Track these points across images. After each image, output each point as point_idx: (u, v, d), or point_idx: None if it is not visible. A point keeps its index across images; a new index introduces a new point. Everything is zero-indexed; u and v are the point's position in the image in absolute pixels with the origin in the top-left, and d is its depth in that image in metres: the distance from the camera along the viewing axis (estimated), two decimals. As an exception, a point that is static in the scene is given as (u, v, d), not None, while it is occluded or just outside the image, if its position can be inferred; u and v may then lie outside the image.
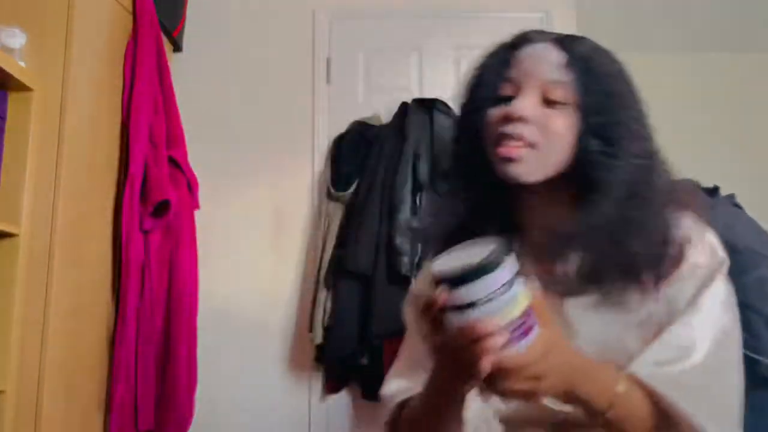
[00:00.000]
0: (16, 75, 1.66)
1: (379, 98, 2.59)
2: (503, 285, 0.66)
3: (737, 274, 0.98)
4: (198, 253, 2.25)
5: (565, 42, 0.91)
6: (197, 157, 2.36)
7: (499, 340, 0.66)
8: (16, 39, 1.72)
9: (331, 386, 2.36)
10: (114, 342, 1.94)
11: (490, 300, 0.65)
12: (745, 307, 1.08)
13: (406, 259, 2.14)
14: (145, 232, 2.00)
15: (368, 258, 2.19)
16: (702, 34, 3.53)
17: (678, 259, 0.87)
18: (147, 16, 2.13)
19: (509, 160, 0.86)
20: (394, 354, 2.23)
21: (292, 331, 2.47)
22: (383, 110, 2.54)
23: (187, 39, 2.62)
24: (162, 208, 2.00)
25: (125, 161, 2.03)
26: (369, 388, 2.30)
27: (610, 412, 0.79)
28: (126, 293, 1.92)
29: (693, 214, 0.93)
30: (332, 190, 2.40)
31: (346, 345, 2.19)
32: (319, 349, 2.29)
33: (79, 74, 1.85)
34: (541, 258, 0.91)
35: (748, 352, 1.05)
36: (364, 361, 2.21)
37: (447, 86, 2.63)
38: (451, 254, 0.71)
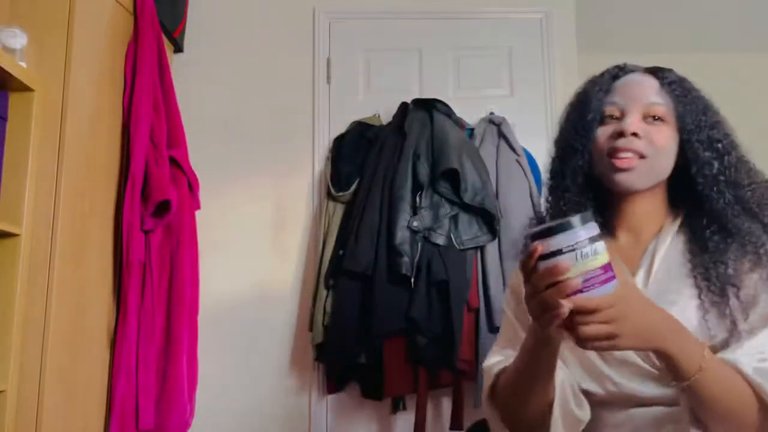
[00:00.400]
0: (17, 75, 1.66)
1: (379, 98, 2.59)
2: (585, 239, 0.76)
3: None
4: (199, 252, 2.26)
5: (656, 71, 1.12)
6: (198, 156, 2.36)
7: (575, 282, 0.75)
8: (17, 39, 1.72)
9: (331, 386, 2.36)
10: (115, 342, 1.94)
11: (572, 249, 0.75)
12: None
13: (406, 259, 2.14)
14: (146, 232, 2.00)
15: (368, 258, 2.19)
16: (702, 34, 3.53)
17: None
18: (148, 17, 2.14)
19: (624, 170, 1.02)
20: (393, 353, 2.25)
21: (292, 330, 2.48)
22: (383, 110, 2.55)
23: (188, 39, 2.62)
24: (163, 208, 2.00)
25: (126, 161, 2.04)
26: (369, 388, 2.31)
27: (698, 374, 0.85)
28: (127, 293, 1.93)
29: None
30: (332, 190, 2.40)
31: (346, 344, 2.20)
32: (319, 348, 2.29)
33: (80, 74, 1.86)
34: (629, 257, 1.05)
35: None
36: (364, 360, 2.21)
37: (447, 86, 2.64)
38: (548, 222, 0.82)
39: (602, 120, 1.07)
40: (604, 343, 0.80)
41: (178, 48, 2.59)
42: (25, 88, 1.72)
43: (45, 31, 1.81)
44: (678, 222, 1.07)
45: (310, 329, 2.30)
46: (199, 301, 2.24)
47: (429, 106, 2.40)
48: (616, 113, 1.06)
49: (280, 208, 2.57)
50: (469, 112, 2.52)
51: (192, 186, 2.22)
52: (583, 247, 0.76)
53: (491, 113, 2.53)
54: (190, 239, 2.18)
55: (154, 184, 1.98)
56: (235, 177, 2.57)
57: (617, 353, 0.97)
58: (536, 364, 0.92)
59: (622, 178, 1.02)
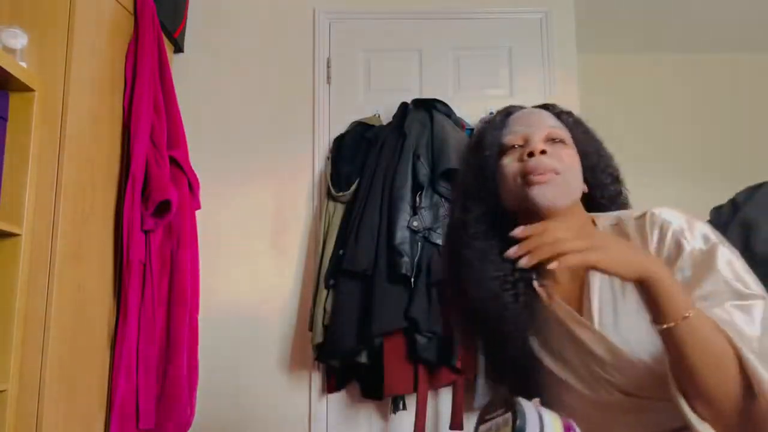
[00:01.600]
0: (18, 75, 1.66)
1: (379, 98, 2.59)
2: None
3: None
4: (199, 252, 2.26)
5: (546, 106, 1.16)
6: (198, 157, 2.37)
7: None
8: (18, 39, 1.73)
9: (331, 385, 2.36)
10: (115, 341, 1.94)
11: None
12: None
13: (406, 259, 2.14)
14: (146, 232, 2.01)
15: (368, 258, 2.19)
16: (702, 34, 3.53)
17: (678, 249, 0.97)
18: (148, 17, 2.14)
19: (541, 183, 1.01)
20: (393, 353, 2.25)
21: (292, 330, 2.48)
22: (383, 110, 2.55)
23: (188, 40, 2.62)
24: (163, 208, 2.01)
25: (126, 161, 2.04)
26: (369, 387, 2.31)
27: (685, 319, 0.82)
28: (127, 293, 1.93)
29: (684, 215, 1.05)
30: (332, 190, 2.40)
31: (345, 344, 2.20)
32: (319, 348, 2.29)
33: (81, 74, 1.86)
34: (571, 296, 1.04)
35: None
36: (364, 360, 2.21)
37: (447, 86, 2.64)
38: (487, 424, 0.79)
39: (505, 151, 1.08)
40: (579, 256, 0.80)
41: (178, 48, 2.59)
42: (25, 88, 1.72)
43: (45, 31, 1.81)
44: None
45: (310, 329, 2.30)
46: (200, 301, 2.24)
47: (429, 106, 2.40)
48: (519, 141, 1.07)
49: (280, 208, 2.57)
50: (469, 112, 2.52)
51: (192, 186, 2.22)
52: None
53: (491, 113, 2.52)
54: (191, 239, 2.18)
55: (154, 184, 1.99)
56: (235, 177, 2.57)
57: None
58: None
59: (539, 193, 1.01)
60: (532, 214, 1.03)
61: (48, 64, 1.80)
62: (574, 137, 1.10)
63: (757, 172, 3.64)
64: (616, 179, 1.14)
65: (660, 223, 1.00)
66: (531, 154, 1.03)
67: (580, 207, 1.09)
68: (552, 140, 1.06)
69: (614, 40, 3.54)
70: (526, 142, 1.06)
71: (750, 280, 0.92)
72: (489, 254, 1.05)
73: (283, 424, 2.42)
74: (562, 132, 1.09)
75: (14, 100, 1.72)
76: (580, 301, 1.02)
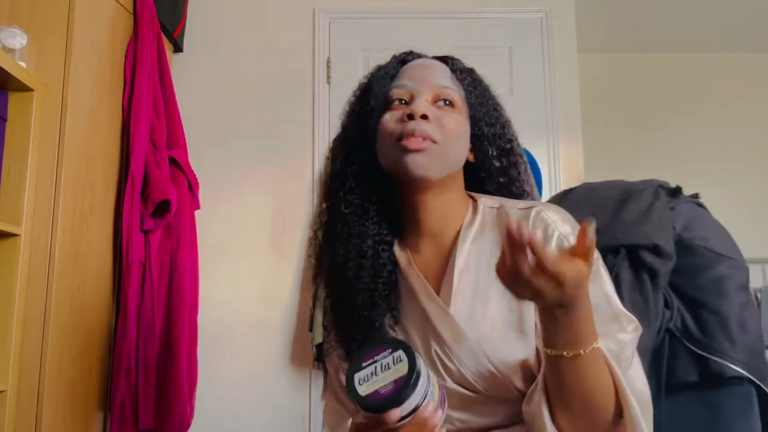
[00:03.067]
0: (17, 75, 1.66)
1: (379, 98, 2.59)
2: (426, 382, 0.74)
3: (692, 274, 0.99)
4: (198, 252, 2.26)
5: (446, 58, 1.08)
6: (198, 157, 2.36)
7: (438, 418, 0.75)
8: (17, 39, 1.73)
9: (331, 386, 2.36)
10: (115, 342, 1.94)
11: (425, 398, 0.73)
12: (699, 305, 1.09)
13: (406, 259, 2.14)
14: (146, 232, 2.01)
15: (368, 258, 2.19)
16: (702, 34, 3.53)
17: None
18: (147, 17, 2.14)
19: (415, 151, 0.92)
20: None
21: (292, 330, 2.48)
22: (383, 110, 2.54)
23: (188, 40, 2.62)
24: (163, 208, 2.01)
25: (126, 161, 2.04)
26: (369, 388, 2.30)
27: (588, 353, 0.76)
28: (126, 293, 1.93)
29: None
30: (332, 190, 2.40)
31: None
32: (319, 348, 2.29)
33: (80, 74, 1.86)
34: (433, 270, 0.97)
35: (701, 352, 1.06)
36: (364, 360, 2.21)
37: (447, 86, 2.64)
38: (366, 369, 0.75)
39: (389, 105, 0.99)
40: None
41: (178, 48, 2.59)
42: (25, 88, 1.72)
43: (45, 31, 1.81)
44: (477, 221, 0.98)
45: (310, 329, 2.30)
46: (199, 301, 2.24)
47: (429, 106, 2.40)
48: (405, 96, 0.98)
49: (280, 208, 2.56)
50: (469, 112, 2.52)
51: (192, 186, 2.22)
52: (429, 388, 0.74)
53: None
54: (190, 239, 2.18)
55: (153, 184, 1.98)
56: (235, 177, 2.57)
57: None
58: None
59: (412, 161, 0.91)
60: (404, 179, 0.95)
61: (47, 64, 1.80)
62: (467, 100, 1.01)
63: (757, 172, 3.65)
64: (505, 152, 1.03)
65: (546, 222, 0.93)
66: (411, 117, 0.94)
67: (460, 180, 1.01)
68: (440, 101, 0.98)
69: (614, 40, 3.54)
70: (412, 99, 0.97)
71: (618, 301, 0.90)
72: (369, 211, 0.98)
73: (283, 424, 2.42)
74: (454, 93, 0.99)
75: (14, 100, 1.72)
76: (440, 278, 0.96)
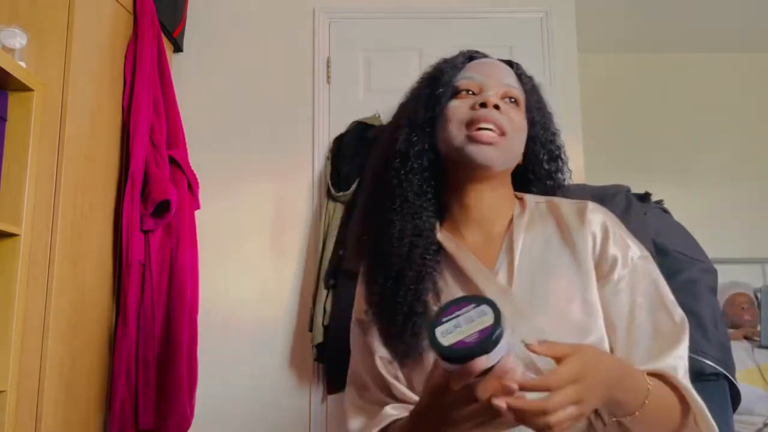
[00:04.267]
0: (17, 75, 1.66)
1: (379, 98, 2.58)
2: (510, 335, 0.70)
3: (667, 277, 1.03)
4: (198, 253, 2.26)
5: (510, 63, 1.11)
6: (197, 156, 2.36)
7: (520, 372, 0.69)
8: (17, 39, 1.73)
9: (331, 386, 2.36)
10: (114, 342, 1.94)
11: (508, 351, 0.70)
12: None
13: (406, 259, 2.14)
14: (146, 232, 2.01)
15: (368, 258, 2.19)
16: (702, 34, 3.53)
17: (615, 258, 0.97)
18: (147, 17, 2.14)
19: (483, 143, 0.95)
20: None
21: (292, 331, 2.47)
22: (383, 110, 2.54)
23: (188, 39, 2.62)
24: (162, 208, 2.01)
25: (126, 161, 2.04)
26: (369, 388, 2.30)
27: (641, 409, 0.81)
28: (126, 293, 1.93)
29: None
30: (332, 190, 2.40)
31: (345, 345, 2.19)
32: (319, 348, 2.29)
33: (80, 74, 1.86)
34: (484, 255, 0.99)
35: None
36: (364, 360, 2.21)
37: (447, 86, 2.64)
38: (448, 324, 0.73)
39: (457, 94, 1.02)
40: (574, 421, 0.71)
41: (178, 48, 2.59)
42: (25, 88, 1.72)
43: (45, 31, 1.81)
44: (527, 213, 1.02)
45: (310, 329, 2.30)
46: (199, 301, 2.24)
47: (429, 106, 2.39)
48: (474, 88, 1.01)
49: (280, 208, 2.56)
50: (469, 112, 2.52)
51: (192, 186, 2.22)
52: (516, 344, 0.71)
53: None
54: (190, 239, 2.18)
55: (153, 184, 1.98)
56: (235, 177, 2.57)
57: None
58: None
59: (478, 151, 0.95)
60: (464, 166, 0.98)
61: (47, 64, 1.80)
62: (527, 103, 1.05)
63: (756, 172, 3.65)
64: (554, 158, 1.07)
65: (603, 218, 0.99)
66: (483, 105, 0.97)
67: (509, 177, 1.05)
68: (507, 98, 1.01)
69: (614, 40, 3.54)
70: (481, 91, 1.00)
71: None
72: (427, 193, 1.00)
73: (283, 424, 2.42)
74: (519, 93, 1.03)
75: (13, 100, 1.72)
76: (491, 262, 0.98)
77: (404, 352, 0.96)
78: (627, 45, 3.58)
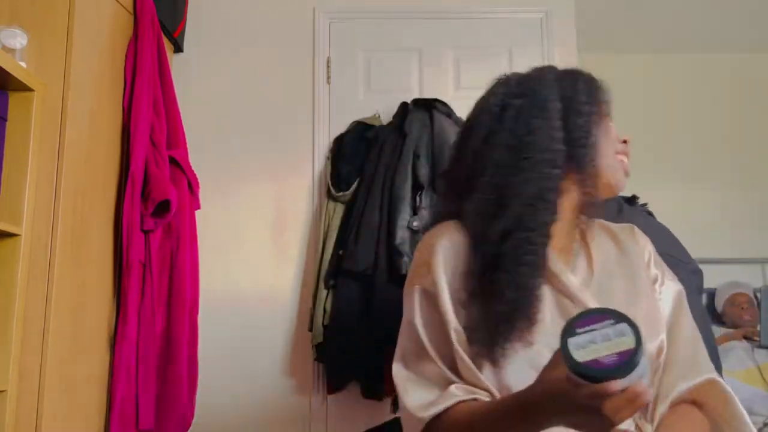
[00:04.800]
0: (17, 75, 1.66)
1: (379, 98, 2.59)
2: (647, 360, 0.74)
3: None
4: (199, 253, 2.26)
5: None
6: (198, 157, 2.36)
7: (650, 395, 0.73)
8: (17, 39, 1.72)
9: (331, 386, 2.36)
10: (115, 342, 1.94)
11: (642, 375, 0.72)
12: None
13: (406, 259, 2.14)
14: (146, 232, 2.01)
15: (368, 258, 2.19)
16: (702, 34, 3.53)
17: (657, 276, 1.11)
18: (148, 17, 2.14)
19: (627, 173, 1.16)
20: (393, 353, 2.21)
21: (292, 331, 2.48)
22: (383, 110, 2.55)
23: (188, 40, 2.62)
24: (163, 208, 2.01)
25: (126, 161, 2.04)
26: (369, 388, 2.31)
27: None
28: (127, 293, 1.93)
29: None
30: (332, 190, 2.40)
31: (346, 345, 2.20)
32: (319, 348, 2.29)
33: (80, 74, 1.86)
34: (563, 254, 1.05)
35: None
36: (365, 360, 2.21)
37: (447, 86, 2.64)
38: (582, 336, 0.73)
39: (603, 118, 1.10)
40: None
41: (178, 48, 2.59)
42: (25, 88, 1.72)
43: (45, 31, 1.81)
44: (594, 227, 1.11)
45: (310, 329, 2.30)
46: (199, 301, 2.24)
47: (429, 106, 2.40)
48: (612, 114, 1.11)
49: (280, 208, 2.56)
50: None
51: (192, 186, 2.22)
52: (647, 366, 0.75)
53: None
54: (190, 239, 2.18)
55: (154, 184, 1.98)
56: (235, 177, 2.57)
57: None
58: None
59: (624, 180, 1.14)
60: (606, 190, 1.11)
61: (48, 64, 1.80)
62: None
63: (756, 172, 3.65)
64: None
65: (647, 239, 1.12)
66: (624, 141, 1.17)
67: None
68: None
69: (614, 40, 3.55)
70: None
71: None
72: (552, 192, 1.01)
73: (283, 424, 2.42)
74: None
75: (14, 100, 1.72)
76: (569, 265, 1.05)
77: (505, 332, 0.93)
78: (627, 45, 3.58)
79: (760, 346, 3.00)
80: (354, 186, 2.37)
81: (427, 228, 2.19)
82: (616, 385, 0.69)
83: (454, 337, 0.95)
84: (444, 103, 2.42)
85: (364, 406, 2.38)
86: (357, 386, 2.36)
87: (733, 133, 3.64)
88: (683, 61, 3.69)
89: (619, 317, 0.72)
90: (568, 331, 0.72)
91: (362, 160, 2.40)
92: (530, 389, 0.80)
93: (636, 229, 1.12)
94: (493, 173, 1.02)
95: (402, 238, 2.16)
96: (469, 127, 1.13)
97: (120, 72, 2.08)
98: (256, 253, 2.52)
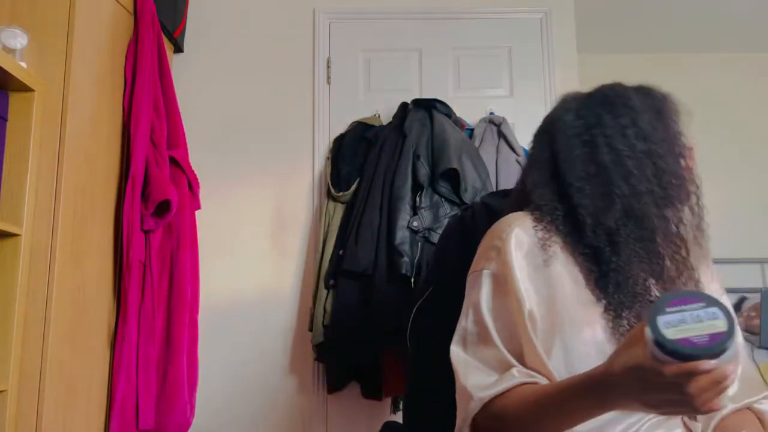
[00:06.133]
0: (18, 75, 1.66)
1: (379, 98, 2.59)
2: (737, 345, 0.71)
3: None
4: (199, 253, 2.26)
5: None
6: (198, 157, 2.37)
7: (734, 378, 0.71)
8: (18, 39, 1.73)
9: (331, 386, 2.36)
10: (115, 341, 1.94)
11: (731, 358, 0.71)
12: None
13: (406, 259, 2.14)
14: (146, 232, 2.01)
15: (368, 258, 2.19)
16: (701, 35, 3.53)
17: None
18: (148, 17, 2.14)
19: None
20: (393, 353, 2.23)
21: (292, 330, 2.48)
22: (383, 110, 2.55)
23: (188, 40, 2.62)
24: (163, 208, 2.01)
25: (126, 161, 2.04)
26: (369, 388, 2.31)
27: None
28: (127, 293, 1.93)
29: None
30: (332, 190, 2.40)
31: (346, 345, 2.20)
32: (319, 348, 2.29)
33: (80, 75, 1.86)
34: None
35: None
36: (364, 360, 2.21)
37: (447, 86, 2.65)
38: (672, 315, 0.73)
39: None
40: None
41: (178, 48, 2.59)
42: (25, 88, 1.72)
43: (45, 31, 1.81)
44: None
45: (310, 329, 2.30)
46: (200, 301, 2.24)
47: (429, 106, 2.40)
48: None
49: (280, 208, 2.57)
50: (469, 112, 2.52)
51: (192, 186, 2.22)
52: (737, 351, 0.72)
53: (491, 113, 2.53)
54: (191, 239, 2.18)
55: (154, 184, 1.98)
56: (235, 177, 2.57)
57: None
58: (580, 419, 0.85)
59: None
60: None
61: (48, 64, 1.80)
62: None
63: (757, 172, 3.65)
64: None
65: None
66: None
67: None
68: None
69: (614, 40, 3.54)
70: None
71: None
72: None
73: (283, 424, 2.42)
74: None
75: (14, 100, 1.72)
76: None
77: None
78: (627, 45, 3.58)
79: (760, 347, 3.00)
80: (354, 186, 2.37)
81: (427, 228, 2.20)
82: (707, 364, 0.68)
83: (527, 318, 0.94)
84: (444, 103, 2.42)
85: (364, 406, 2.38)
86: (357, 386, 2.37)
87: (734, 132, 3.64)
88: (683, 61, 3.69)
89: (711, 301, 0.72)
90: (658, 309, 0.72)
91: (362, 160, 2.40)
92: (605, 366, 0.78)
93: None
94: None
95: (402, 238, 2.16)
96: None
97: (120, 72, 2.08)
98: (256, 253, 2.52)
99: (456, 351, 1.00)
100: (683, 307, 0.72)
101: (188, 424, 2.08)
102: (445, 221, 2.20)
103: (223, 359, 2.41)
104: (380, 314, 2.14)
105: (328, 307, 2.26)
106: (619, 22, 3.38)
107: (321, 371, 2.42)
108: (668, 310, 0.72)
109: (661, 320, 0.71)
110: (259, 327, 2.47)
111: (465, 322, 1.01)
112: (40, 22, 1.81)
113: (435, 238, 2.19)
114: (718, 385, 0.69)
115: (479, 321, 0.99)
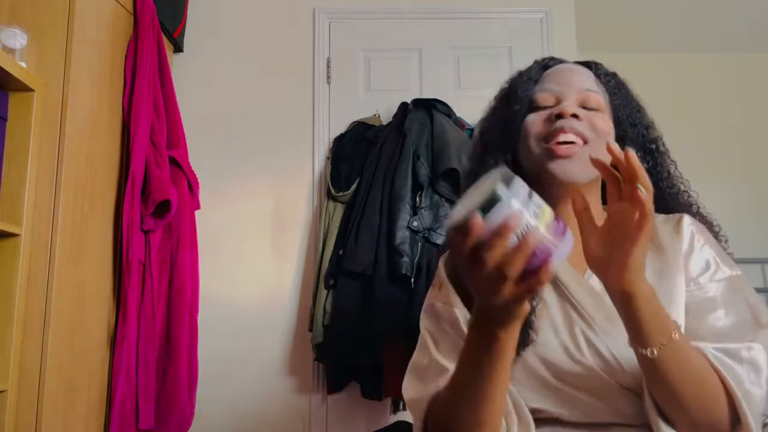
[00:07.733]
0: (17, 75, 1.66)
1: (379, 98, 2.59)
2: (527, 196, 0.65)
3: None
4: (198, 252, 2.26)
5: (588, 63, 1.08)
6: (198, 157, 2.37)
7: (519, 221, 0.63)
8: (17, 39, 1.73)
9: (331, 386, 2.36)
10: (115, 341, 1.94)
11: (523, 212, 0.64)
12: None
13: (406, 259, 2.14)
14: (146, 232, 2.01)
15: (368, 258, 2.19)
16: (701, 35, 3.53)
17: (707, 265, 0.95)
18: (148, 17, 2.14)
19: (562, 157, 0.92)
20: (393, 354, 2.24)
21: (292, 331, 2.48)
22: (383, 110, 2.55)
23: (188, 40, 2.62)
24: (163, 208, 2.01)
25: (126, 161, 2.04)
26: (369, 388, 2.31)
27: (662, 350, 0.77)
28: (127, 293, 1.93)
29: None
30: (332, 190, 2.40)
31: (346, 345, 2.20)
32: (319, 348, 2.29)
33: (80, 74, 1.86)
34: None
35: None
36: (364, 360, 2.21)
37: (447, 86, 2.64)
38: (462, 201, 0.69)
39: (534, 109, 0.99)
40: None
41: (178, 48, 2.59)
42: (25, 88, 1.72)
43: (45, 31, 1.81)
44: None
45: (310, 329, 2.30)
46: (199, 301, 2.24)
47: (429, 106, 2.40)
48: (550, 101, 0.98)
49: (280, 208, 2.57)
50: (469, 112, 2.52)
51: (192, 186, 2.22)
52: (531, 205, 0.64)
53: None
54: (190, 239, 2.18)
55: (154, 184, 1.99)
56: (235, 177, 2.57)
57: (575, 368, 0.87)
58: (485, 375, 0.76)
59: (559, 167, 0.92)
60: (547, 182, 0.94)
61: (48, 64, 1.80)
62: (611, 103, 1.01)
63: (756, 172, 3.65)
64: (650, 152, 1.03)
65: (695, 229, 0.97)
66: (560, 116, 0.94)
67: (598, 187, 1.00)
68: (586, 107, 0.97)
69: (614, 40, 3.54)
70: (558, 102, 0.97)
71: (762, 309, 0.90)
72: None
73: (283, 424, 2.42)
74: (600, 98, 0.99)
75: (14, 100, 1.72)
76: (584, 268, 0.95)
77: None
78: (627, 45, 3.58)
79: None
80: (354, 186, 2.37)
81: (427, 228, 2.18)
82: (474, 219, 0.62)
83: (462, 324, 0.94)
84: (444, 103, 2.42)
85: (364, 406, 2.38)
86: (357, 386, 2.37)
87: (734, 133, 3.64)
88: (683, 61, 3.69)
89: (502, 173, 0.66)
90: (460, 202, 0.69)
91: (362, 160, 2.40)
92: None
93: (685, 218, 0.98)
94: None
95: (402, 238, 2.16)
96: None
97: (120, 72, 2.08)
98: (256, 253, 2.52)
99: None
100: (470, 190, 0.69)
101: (188, 424, 2.08)
102: (445, 221, 2.20)
103: (223, 359, 2.41)
104: (380, 314, 2.14)
105: (328, 307, 2.26)
106: (619, 22, 3.38)
107: (321, 371, 2.42)
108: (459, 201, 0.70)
109: (452, 212, 0.68)
110: (259, 327, 2.47)
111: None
112: (40, 22, 1.81)
113: (435, 238, 2.19)
114: (502, 241, 0.62)
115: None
